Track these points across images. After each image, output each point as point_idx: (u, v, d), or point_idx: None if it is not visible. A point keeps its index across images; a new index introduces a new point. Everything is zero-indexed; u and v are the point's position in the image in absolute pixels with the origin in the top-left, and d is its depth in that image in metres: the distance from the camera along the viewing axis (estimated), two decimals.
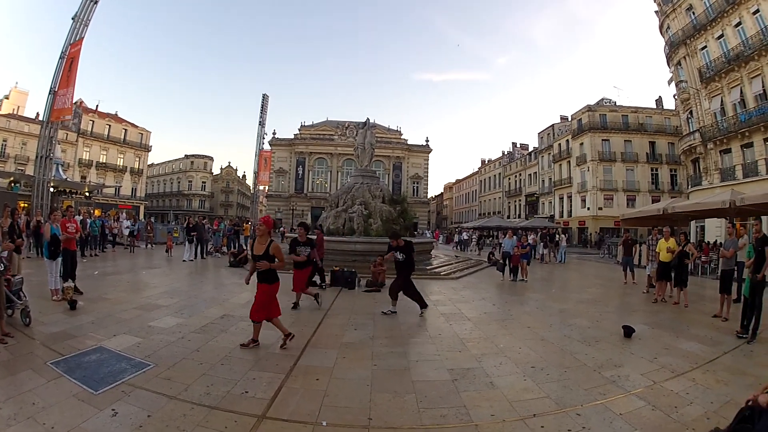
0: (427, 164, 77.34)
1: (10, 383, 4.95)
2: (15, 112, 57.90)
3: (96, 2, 24.73)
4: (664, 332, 8.50)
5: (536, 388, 5.31)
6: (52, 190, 26.06)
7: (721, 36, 30.64)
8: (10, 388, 4.82)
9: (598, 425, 4.40)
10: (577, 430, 4.30)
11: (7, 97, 61.87)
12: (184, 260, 19.37)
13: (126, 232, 26.06)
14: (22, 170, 47.10)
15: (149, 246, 27.21)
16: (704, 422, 4.40)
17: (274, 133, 73.42)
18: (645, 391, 5.28)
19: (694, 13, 33.18)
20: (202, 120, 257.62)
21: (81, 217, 19.50)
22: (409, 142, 76.76)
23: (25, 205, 24.12)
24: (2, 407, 4.35)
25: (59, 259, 9.79)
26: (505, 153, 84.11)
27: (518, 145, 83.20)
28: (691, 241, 22.09)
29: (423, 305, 9.96)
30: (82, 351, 6.11)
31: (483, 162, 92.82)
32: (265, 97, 56.39)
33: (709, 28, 31.53)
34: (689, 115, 35.79)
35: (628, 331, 7.92)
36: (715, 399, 5.04)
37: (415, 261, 10.66)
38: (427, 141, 77.89)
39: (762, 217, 19.91)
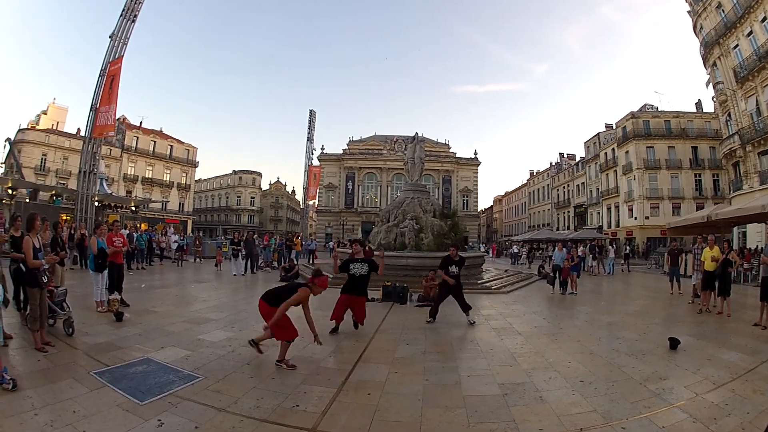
0: (477, 177, 76.82)
1: (49, 391, 5.00)
2: (54, 128, 59.41)
3: (133, 21, 25.30)
4: (708, 343, 8.42)
5: (584, 402, 5.28)
6: (96, 204, 26.68)
7: (751, 33, 30.07)
8: (48, 395, 4.87)
9: None
10: None
11: (45, 113, 63.54)
12: (234, 274, 19.50)
13: (174, 246, 26.50)
14: (63, 184, 48.35)
15: (198, 260, 27.64)
16: None
17: (322, 149, 73.72)
18: (687, 403, 5.25)
19: (723, 11, 32.60)
20: (251, 136, 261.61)
21: (127, 231, 19.93)
22: (457, 156, 76.23)
23: (68, 218, 24.71)
24: (39, 414, 4.41)
25: (105, 272, 10.00)
26: (553, 164, 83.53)
27: (565, 156, 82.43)
28: (734, 248, 21.66)
29: (433, 317, 10.31)
30: (127, 362, 6.19)
31: (531, 173, 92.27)
32: (312, 113, 57.06)
33: (738, 25, 30.95)
34: (728, 118, 35.06)
35: (674, 343, 7.81)
36: (752, 409, 5.03)
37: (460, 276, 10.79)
38: (475, 154, 77.33)
39: None
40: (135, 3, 25.18)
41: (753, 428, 4.42)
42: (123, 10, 25.20)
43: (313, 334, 6.77)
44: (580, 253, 21.07)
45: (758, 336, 8.96)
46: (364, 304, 9.29)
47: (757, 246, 25.53)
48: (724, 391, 5.62)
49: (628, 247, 34.55)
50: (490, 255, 48.69)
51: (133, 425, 4.30)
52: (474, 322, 10.09)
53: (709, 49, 34.86)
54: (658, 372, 6.50)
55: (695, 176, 50.10)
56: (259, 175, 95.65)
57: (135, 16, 25.35)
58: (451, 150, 77.07)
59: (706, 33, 34.79)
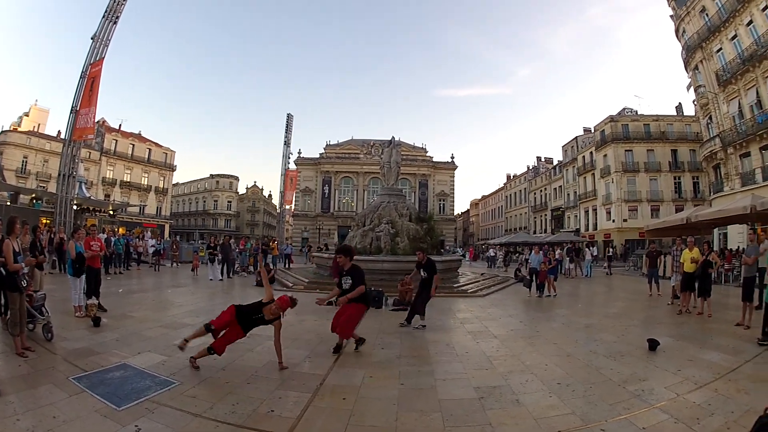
0: (453, 181, 77.58)
1: (30, 396, 5.00)
2: (35, 130, 58.89)
3: (115, 22, 25.20)
4: (688, 344, 8.46)
5: (561, 405, 5.28)
6: (75, 207, 26.44)
7: (735, 36, 30.41)
8: (29, 401, 4.87)
9: None
10: None
11: (26, 115, 62.97)
12: (210, 279, 19.44)
13: (151, 250, 26.41)
14: (43, 187, 47.87)
15: (175, 265, 27.49)
16: None
17: (299, 153, 74.19)
18: (668, 404, 5.26)
19: (707, 15, 32.94)
20: (227, 140, 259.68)
21: (105, 235, 19.81)
22: (434, 160, 76.92)
23: (47, 221, 24.47)
24: (21, 419, 4.40)
25: (83, 276, 9.92)
26: (530, 168, 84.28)
27: (543, 159, 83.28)
28: (715, 249, 21.86)
29: (408, 322, 10.17)
30: (105, 367, 6.16)
31: (508, 177, 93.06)
32: (289, 117, 57.18)
33: (722, 29, 31.32)
34: (709, 121, 35.45)
35: (653, 344, 7.84)
36: (736, 408, 5.03)
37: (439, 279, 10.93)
38: (452, 158, 77.98)
39: None
40: (117, 4, 25.07)
41: (739, 427, 4.43)
42: (105, 11, 25.05)
43: (279, 359, 6.63)
44: (557, 256, 21.20)
45: (741, 336, 9.00)
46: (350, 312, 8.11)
47: (739, 247, 25.76)
48: (706, 391, 5.64)
49: (611, 249, 34.61)
50: (468, 258, 48.95)
51: (111, 431, 4.30)
52: (421, 327, 9.99)
53: (691, 52, 35.22)
54: (637, 373, 6.52)
55: (675, 179, 50.75)
56: (236, 179, 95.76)
57: (117, 17, 25.27)
58: (427, 154, 77.82)
59: (689, 37, 35.15)
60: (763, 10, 27.47)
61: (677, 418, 4.82)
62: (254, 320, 6.58)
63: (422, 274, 10.57)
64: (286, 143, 57.20)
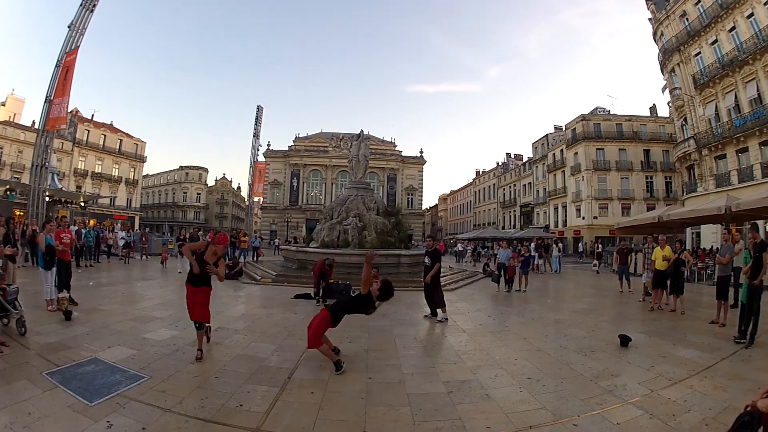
0: (422, 176, 77.84)
1: (6, 392, 4.94)
2: (11, 119, 57.81)
3: (92, 11, 24.87)
4: (661, 340, 8.49)
5: (532, 400, 5.29)
6: (47, 199, 26.05)
7: (715, 41, 30.78)
8: (5, 397, 4.82)
9: None
10: None
11: (3, 104, 61.76)
12: (179, 272, 19.16)
13: (121, 243, 26.07)
14: (18, 179, 47.02)
15: (144, 257, 27.19)
16: (703, 429, 4.44)
17: (268, 145, 73.91)
18: (642, 399, 5.27)
19: (688, 20, 33.28)
20: (197, 131, 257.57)
21: (76, 228, 19.51)
22: (403, 154, 77.09)
23: (21, 213, 24.08)
24: None
25: (54, 269, 9.77)
26: (500, 164, 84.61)
27: (512, 156, 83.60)
28: (687, 248, 22.15)
29: (434, 314, 10.56)
30: (77, 362, 6.09)
31: (477, 173, 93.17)
32: (259, 109, 57.10)
33: (703, 34, 31.68)
34: (683, 122, 35.85)
35: (625, 340, 7.90)
36: (714, 405, 5.04)
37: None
38: (421, 152, 78.25)
39: (758, 221, 19.94)
40: None
41: (717, 424, 4.44)
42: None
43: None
44: (533, 252, 21.27)
45: (716, 333, 9.07)
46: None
47: (712, 246, 26.12)
48: (681, 388, 5.66)
49: (600, 245, 34.14)
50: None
51: (84, 427, 4.27)
52: (441, 319, 10.29)
53: (668, 55, 35.59)
54: (609, 369, 6.56)
55: (647, 178, 51.55)
56: (206, 170, 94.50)
57: (94, 5, 24.98)
58: (396, 148, 78.11)
59: (667, 40, 35.48)
60: (748, 17, 27.85)
61: (652, 414, 4.84)
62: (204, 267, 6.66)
63: (426, 261, 10.91)
64: (256, 135, 57.09)
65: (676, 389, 5.63)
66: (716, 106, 31.12)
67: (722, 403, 5.09)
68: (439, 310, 10.50)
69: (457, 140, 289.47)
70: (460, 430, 4.53)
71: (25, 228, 18.80)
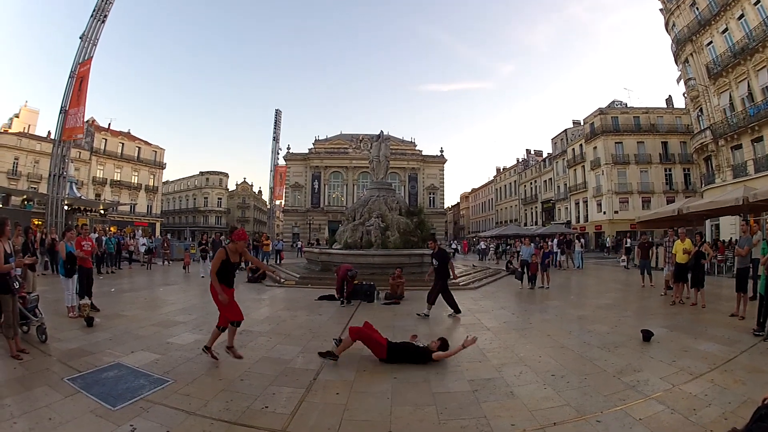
0: (443, 174, 77.33)
1: (26, 399, 4.97)
2: (26, 131, 58.48)
3: (103, 21, 25.08)
4: (683, 334, 8.42)
5: (556, 396, 5.27)
6: (66, 208, 26.31)
7: (726, 30, 30.45)
8: (25, 403, 4.84)
9: (618, 431, 4.37)
10: None
11: (17, 116, 62.48)
12: (202, 276, 19.34)
13: (142, 249, 26.27)
14: (34, 188, 47.65)
15: (166, 263, 27.35)
16: (722, 423, 4.36)
17: (288, 148, 73.67)
18: (664, 394, 5.24)
19: (698, 9, 32.94)
20: (217, 137, 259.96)
21: (96, 235, 19.70)
22: (423, 153, 76.67)
23: (39, 223, 24.34)
24: (17, 422, 4.38)
25: (75, 277, 9.90)
26: (520, 160, 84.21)
27: (532, 152, 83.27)
28: (707, 240, 21.92)
29: (457, 311, 10.82)
30: (99, 367, 6.13)
31: (498, 170, 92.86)
32: (278, 113, 57.10)
33: (713, 22, 31.35)
34: (699, 113, 35.50)
35: (647, 335, 7.85)
36: (733, 399, 5.01)
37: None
38: (441, 151, 77.81)
39: None
40: (105, 3, 24.93)
41: (736, 418, 4.37)
42: (93, 10, 24.93)
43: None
44: (555, 248, 21.13)
45: (736, 326, 8.97)
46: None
47: (731, 238, 25.78)
48: (702, 382, 5.62)
49: (629, 240, 32.70)
50: (461, 251, 48.90)
51: (107, 431, 4.28)
52: (424, 316, 10.51)
53: (681, 46, 35.25)
54: (632, 364, 6.51)
55: (665, 171, 50.91)
56: (226, 175, 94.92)
57: (105, 16, 25.15)
58: (416, 148, 77.71)
59: (679, 30, 35.15)
60: (755, 4, 27.53)
61: (673, 408, 4.81)
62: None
63: (433, 263, 10.99)
64: (275, 139, 57.17)
65: (697, 383, 5.59)
66: (730, 96, 30.77)
67: (741, 396, 5.06)
68: (427, 306, 10.70)
69: (476, 138, 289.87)
70: (485, 428, 4.51)
71: (44, 237, 19.02)
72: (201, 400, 5.09)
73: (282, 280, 17.81)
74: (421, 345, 6.98)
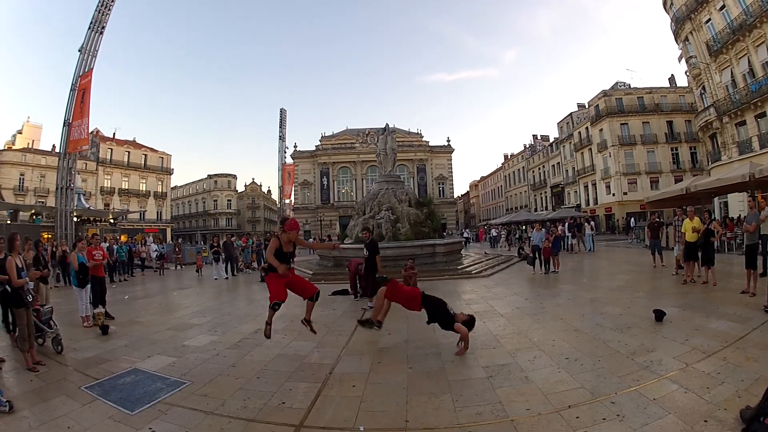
0: (451, 164, 76.99)
1: (44, 410, 5.02)
2: (30, 146, 58.74)
3: (101, 32, 25.21)
4: (695, 313, 8.38)
5: (570, 380, 5.30)
6: (75, 219, 26.48)
7: (723, 7, 30.20)
8: (43, 414, 4.89)
9: (633, 412, 4.38)
10: (611, 418, 4.29)
11: (20, 132, 62.73)
12: (215, 279, 19.51)
13: (154, 255, 26.42)
14: (42, 203, 47.93)
15: (179, 267, 27.61)
16: (735, 401, 4.37)
17: (295, 146, 73.72)
18: (677, 374, 5.25)
19: None
20: (223, 139, 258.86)
21: (107, 244, 19.86)
22: (430, 144, 76.44)
23: (49, 236, 24.50)
24: None
25: (88, 287, 9.98)
26: (527, 146, 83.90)
27: (539, 137, 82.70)
28: (716, 218, 21.83)
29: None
30: (116, 374, 6.20)
31: (506, 157, 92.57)
32: (282, 112, 57.26)
33: (710, 0, 31.17)
34: (702, 91, 35.23)
35: (659, 315, 7.83)
36: (746, 377, 4.99)
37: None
38: (448, 141, 77.54)
39: None
40: (102, 15, 25.04)
41: (749, 395, 4.39)
42: (91, 22, 25.03)
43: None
44: (559, 232, 21.13)
45: (747, 303, 8.90)
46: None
47: (740, 215, 25.60)
48: (715, 360, 5.60)
49: (659, 219, 30.84)
50: (477, 240, 48.94)
51: None
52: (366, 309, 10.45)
53: (680, 24, 35.01)
54: (644, 345, 6.51)
55: (672, 150, 50.74)
56: (234, 177, 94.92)
57: (103, 27, 25.26)
58: (423, 139, 77.30)
59: (677, 9, 34.89)
60: None
61: (687, 387, 4.82)
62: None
63: (365, 252, 11.24)
64: (281, 138, 57.40)
65: (710, 362, 5.58)
66: (732, 72, 30.57)
67: (754, 374, 5.05)
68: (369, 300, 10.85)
69: (483, 126, 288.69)
70: (500, 413, 4.55)
71: (54, 249, 19.16)
72: (218, 399, 5.15)
73: None
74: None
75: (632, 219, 37.83)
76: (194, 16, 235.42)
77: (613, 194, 52.59)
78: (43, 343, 7.67)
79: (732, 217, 26.07)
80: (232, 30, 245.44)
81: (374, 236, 19.82)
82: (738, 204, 29.27)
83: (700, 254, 11.92)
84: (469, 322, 7.00)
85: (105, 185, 61.71)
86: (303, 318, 6.87)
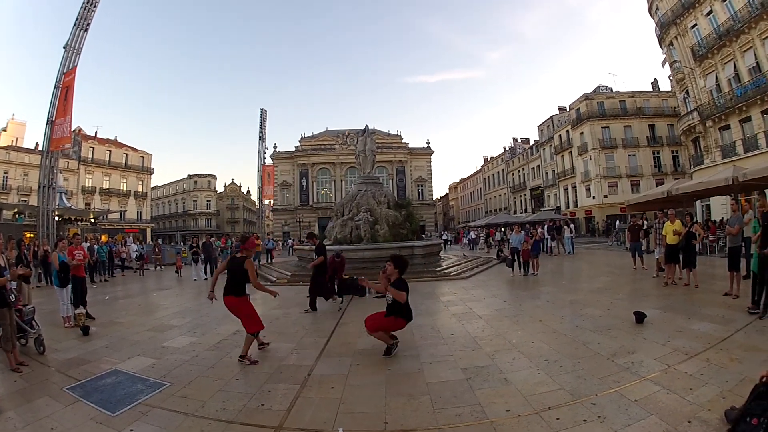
0: (430, 166, 77.51)
1: (28, 410, 5.01)
2: (14, 144, 58.15)
3: (86, 30, 24.90)
4: (676, 315, 8.44)
5: (550, 381, 5.32)
6: (57, 218, 26.21)
7: (710, 12, 30.49)
8: (27, 415, 4.89)
9: (614, 413, 4.39)
10: (592, 419, 4.30)
11: (4, 129, 62.10)
12: (194, 279, 19.45)
13: (134, 255, 26.33)
14: (25, 201, 47.44)
15: (158, 268, 27.53)
16: (720, 402, 4.38)
17: (275, 147, 73.68)
18: (659, 375, 5.27)
19: None
20: (202, 139, 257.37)
21: (88, 244, 19.69)
22: (410, 146, 76.77)
23: (31, 235, 24.25)
24: None
25: (69, 287, 9.91)
26: (507, 149, 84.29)
27: (519, 140, 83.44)
28: (698, 221, 22.03)
29: (313, 308, 10.90)
30: (97, 375, 6.18)
31: (485, 159, 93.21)
32: (263, 112, 56.93)
33: (697, 5, 31.36)
34: (686, 95, 35.63)
35: (640, 317, 7.89)
36: (730, 378, 5.02)
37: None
38: (428, 143, 78.05)
39: (766, 191, 19.80)
40: (87, 12, 24.77)
41: (734, 396, 4.40)
42: (76, 19, 24.77)
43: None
44: (546, 234, 21.24)
45: (730, 305, 8.97)
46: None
47: (722, 218, 25.91)
48: (698, 362, 5.64)
49: (645, 221, 29.99)
50: (457, 242, 49.15)
51: None
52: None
53: (665, 29, 35.35)
54: (625, 346, 6.55)
55: (654, 153, 51.33)
56: (214, 177, 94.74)
57: (88, 24, 24.97)
58: (403, 140, 77.70)
59: (663, 14, 35.24)
60: None
61: (669, 389, 4.84)
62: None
63: (313, 257, 11.46)
64: (261, 138, 57.06)
65: (693, 363, 5.61)
66: (716, 77, 30.86)
67: (738, 375, 5.07)
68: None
69: (463, 128, 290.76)
70: (479, 414, 4.55)
71: (36, 249, 18.97)
72: (198, 401, 5.14)
73: (274, 279, 17.93)
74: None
75: (617, 221, 38.16)
76: (172, 14, 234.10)
77: (594, 197, 53.06)
78: (26, 344, 7.60)
79: (714, 220, 26.37)
80: (210, 28, 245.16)
81: (353, 238, 19.99)
82: (720, 207, 29.61)
83: (681, 256, 12.03)
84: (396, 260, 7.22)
85: (86, 184, 61.24)
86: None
